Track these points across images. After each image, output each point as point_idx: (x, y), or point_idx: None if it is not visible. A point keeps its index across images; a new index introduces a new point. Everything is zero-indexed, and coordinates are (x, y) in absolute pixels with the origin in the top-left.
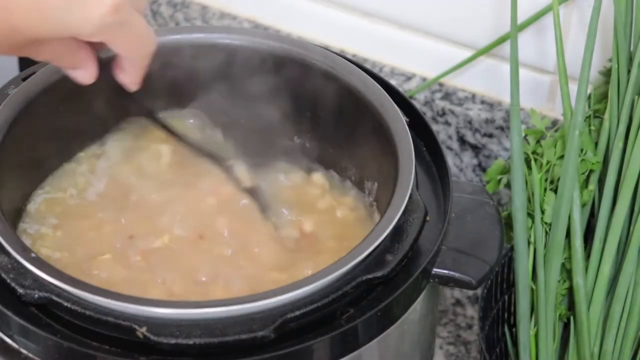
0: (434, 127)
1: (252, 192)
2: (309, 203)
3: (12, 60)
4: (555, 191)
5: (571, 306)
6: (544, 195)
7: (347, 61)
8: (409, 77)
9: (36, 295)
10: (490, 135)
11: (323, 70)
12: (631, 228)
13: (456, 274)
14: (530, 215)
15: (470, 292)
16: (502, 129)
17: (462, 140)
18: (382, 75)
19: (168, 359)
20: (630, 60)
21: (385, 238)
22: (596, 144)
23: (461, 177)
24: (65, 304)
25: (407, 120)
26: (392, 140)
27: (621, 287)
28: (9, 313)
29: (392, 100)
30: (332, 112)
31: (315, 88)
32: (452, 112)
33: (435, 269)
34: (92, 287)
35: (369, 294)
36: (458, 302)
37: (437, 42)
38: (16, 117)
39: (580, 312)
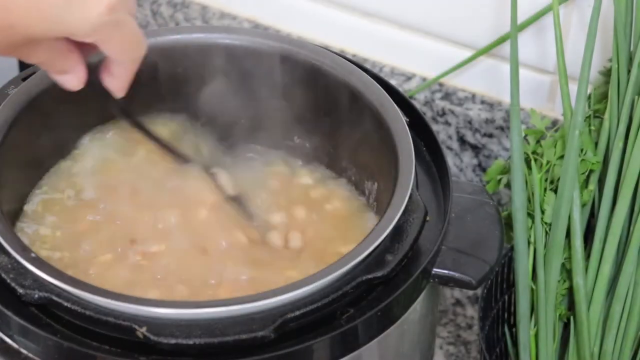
0: (434, 127)
1: (237, 200)
2: (309, 203)
3: (12, 60)
4: (555, 191)
5: (571, 306)
6: (544, 195)
7: (347, 61)
8: (409, 77)
9: (36, 295)
10: (490, 135)
11: (323, 70)
12: (631, 228)
13: (456, 274)
14: (530, 215)
15: (470, 292)
16: (502, 129)
17: (462, 140)
18: (382, 75)
19: (168, 359)
20: (630, 60)
21: (385, 238)
22: (596, 144)
23: (461, 177)
24: (65, 304)
25: (407, 120)
26: (392, 140)
27: (621, 287)
28: (9, 313)
29: (392, 100)
30: (332, 112)
31: (315, 88)
32: (452, 112)
33: (435, 269)
34: (92, 287)
35: (369, 294)
36: (458, 302)
37: (437, 42)
38: (16, 117)
39: (580, 312)
